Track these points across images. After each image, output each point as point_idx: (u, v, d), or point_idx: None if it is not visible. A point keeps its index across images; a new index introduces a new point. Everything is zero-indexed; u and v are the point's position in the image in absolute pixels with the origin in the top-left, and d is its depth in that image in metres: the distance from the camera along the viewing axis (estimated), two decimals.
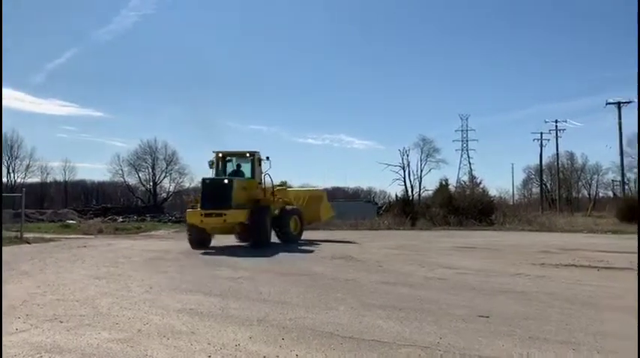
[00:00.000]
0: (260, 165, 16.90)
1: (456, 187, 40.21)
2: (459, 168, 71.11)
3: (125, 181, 61.47)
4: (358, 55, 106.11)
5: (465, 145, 73.41)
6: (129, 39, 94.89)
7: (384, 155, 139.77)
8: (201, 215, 14.78)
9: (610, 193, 63.76)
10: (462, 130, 73.38)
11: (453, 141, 74.53)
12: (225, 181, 15.44)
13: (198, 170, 77.01)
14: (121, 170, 60.75)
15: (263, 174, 16.93)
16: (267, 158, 16.89)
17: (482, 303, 6.74)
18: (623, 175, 49.55)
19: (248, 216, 15.01)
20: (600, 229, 27.87)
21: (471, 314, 5.99)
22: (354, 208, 38.40)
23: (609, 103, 45.70)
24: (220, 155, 17.15)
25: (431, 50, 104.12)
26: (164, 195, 61.90)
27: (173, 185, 62.05)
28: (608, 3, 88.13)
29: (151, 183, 61.70)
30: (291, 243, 16.76)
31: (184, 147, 73.03)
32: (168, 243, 18.22)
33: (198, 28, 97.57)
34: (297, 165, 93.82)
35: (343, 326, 5.38)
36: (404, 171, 66.76)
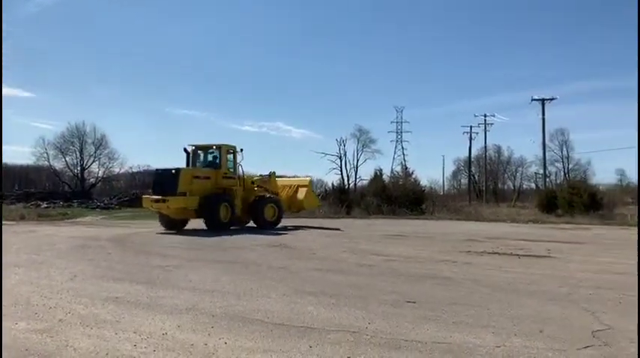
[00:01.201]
0: (231, 156, 18.46)
1: (390, 177, 41.18)
2: (393, 159, 72.70)
3: (51, 166, 58.40)
4: (296, 45, 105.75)
5: (399, 137, 75.03)
6: (57, 12, 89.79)
7: (322, 144, 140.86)
8: (152, 201, 16.79)
9: (533, 185, 67.30)
10: (397, 122, 74.92)
11: (388, 132, 76.01)
12: (172, 171, 16.87)
13: (130, 154, 74.45)
14: (47, 154, 57.56)
15: (238, 165, 18.51)
16: (241, 150, 18.64)
17: (410, 289, 6.94)
18: (545, 168, 52.33)
19: (198, 202, 16.69)
20: (522, 219, 29.37)
21: (400, 300, 6.15)
22: None
23: (534, 100, 47.99)
24: (193, 148, 18.66)
25: (368, 42, 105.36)
26: (92, 180, 59.24)
27: (102, 170, 59.48)
28: (539, 3, 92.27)
29: (79, 168, 58.94)
30: (267, 228, 17.89)
31: (115, 130, 69.97)
32: (96, 230, 17.55)
33: (133, 6, 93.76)
34: None
35: (274, 313, 5.38)
36: (340, 161, 67.50)
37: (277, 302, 5.95)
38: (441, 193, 58.12)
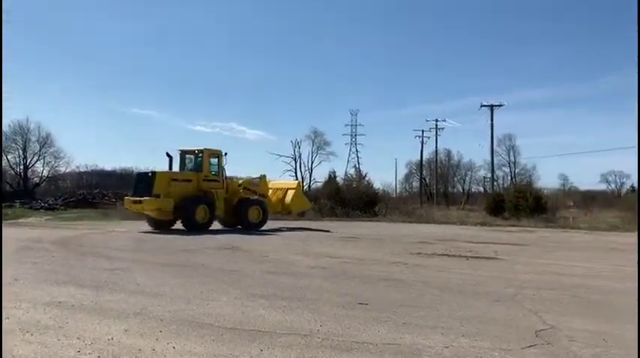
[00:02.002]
0: (215, 160, 19.24)
1: (343, 180, 41.47)
2: (348, 162, 73.16)
3: None
4: (251, 45, 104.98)
5: (353, 139, 75.62)
6: None
7: (276, 146, 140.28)
8: (131, 201, 18.23)
9: (481, 189, 69.17)
10: (352, 125, 75.54)
11: (343, 134, 76.53)
12: (149, 174, 18.30)
13: (76, 153, 71.95)
14: None
15: (222, 169, 19.31)
16: (225, 154, 19.61)
17: (362, 291, 6.99)
18: (493, 172, 53.84)
19: (174, 204, 17.48)
20: (471, 221, 30.18)
21: (351, 302, 6.18)
22: None
23: (483, 106, 49.40)
24: (180, 152, 19.66)
25: (324, 44, 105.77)
26: (37, 179, 56.89)
27: (47, 169, 57.18)
28: (490, 13, 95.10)
29: (22, 167, 56.49)
30: (252, 230, 18.69)
31: (61, 128, 67.49)
32: (40, 232, 16.86)
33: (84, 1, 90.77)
34: None
35: (224, 316, 5.30)
36: (295, 163, 67.44)
37: (228, 305, 5.87)
38: (394, 196, 58.90)
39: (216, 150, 19.51)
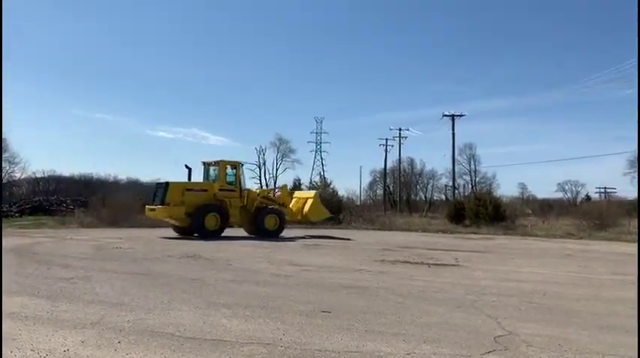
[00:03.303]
0: (232, 170, 20.59)
1: (308, 187, 41.49)
2: (312, 169, 73.43)
3: None
4: (215, 50, 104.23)
5: (318, 147, 75.99)
6: None
7: (240, 153, 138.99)
8: (149, 209, 20.05)
9: (443, 197, 70.29)
10: (317, 132, 75.88)
11: (308, 142, 76.75)
12: (164, 184, 19.80)
13: (33, 159, 69.65)
14: None
15: (239, 178, 20.55)
16: (242, 164, 21.24)
17: (325, 299, 6.99)
18: (454, 181, 54.97)
19: (186, 212, 18.99)
20: (433, 229, 30.65)
21: (315, 310, 6.17)
22: None
23: (445, 115, 50.41)
24: (203, 164, 21.34)
25: (289, 50, 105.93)
26: None
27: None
28: (452, 24, 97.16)
29: None
30: (269, 237, 19.54)
31: (17, 133, 65.33)
32: None
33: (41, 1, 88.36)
34: (147, 159, 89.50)
35: (185, 326, 5.20)
36: (260, 170, 67.25)
37: (189, 314, 5.78)
38: (358, 203, 59.28)
39: (233, 162, 20.97)
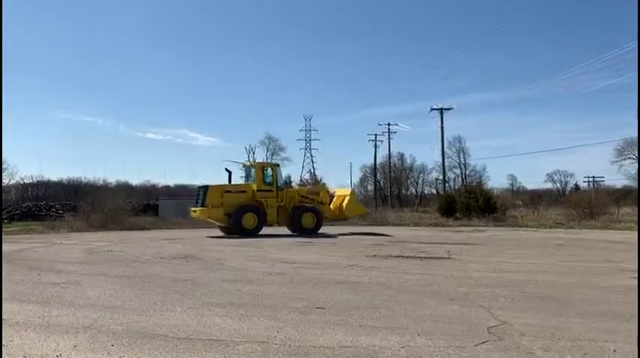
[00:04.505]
0: (270, 171, 21.70)
1: (298, 185, 41.48)
2: (303, 166, 73.52)
3: None
4: (201, 51, 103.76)
5: (308, 144, 76.06)
6: None
7: (230, 152, 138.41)
8: (193, 211, 21.50)
9: (434, 190, 70.65)
10: (306, 130, 75.92)
11: (298, 140, 76.77)
12: (204, 187, 21.07)
13: (21, 164, 69.00)
14: None
15: (276, 178, 21.52)
16: (277, 165, 22.74)
17: (318, 295, 6.99)
18: (444, 174, 55.13)
19: (225, 212, 20.34)
20: (424, 223, 30.78)
21: (308, 307, 6.17)
22: None
23: (433, 109, 50.53)
24: (244, 166, 24.08)
25: (277, 49, 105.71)
26: None
27: None
28: (441, 19, 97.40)
29: None
30: (307, 235, 20.33)
31: (4, 138, 64.61)
32: None
33: (28, 5, 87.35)
34: (136, 162, 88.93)
35: (179, 327, 5.18)
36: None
37: (182, 315, 5.75)
38: None
39: (269, 163, 22.97)
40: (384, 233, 22.35)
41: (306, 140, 76.23)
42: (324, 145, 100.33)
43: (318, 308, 6.10)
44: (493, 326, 5.14)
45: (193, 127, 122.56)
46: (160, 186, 71.31)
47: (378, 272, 9.36)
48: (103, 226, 25.85)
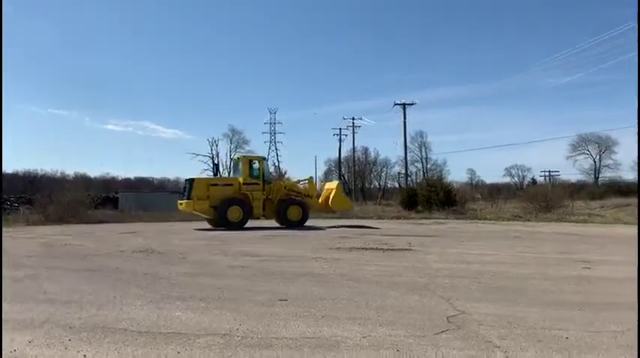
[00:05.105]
0: (256, 164, 21.91)
1: None
2: (267, 160, 73.09)
3: None
4: (165, 42, 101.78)
5: (272, 137, 75.75)
6: None
7: (193, 144, 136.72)
8: (179, 204, 21.64)
9: (396, 184, 71.43)
10: (271, 123, 75.57)
11: (262, 133, 76.40)
12: (190, 180, 21.47)
13: None
14: None
15: (261, 172, 21.76)
16: (265, 159, 23.33)
17: (282, 288, 7.00)
18: (406, 168, 55.93)
19: (210, 205, 20.45)
20: (387, 215, 31.14)
21: (271, 299, 6.17)
22: (160, 200, 36.98)
23: (396, 104, 51.06)
24: (231, 160, 24.54)
25: (241, 41, 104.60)
26: None
27: None
28: (404, 13, 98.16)
29: None
30: (293, 227, 20.52)
31: None
32: None
33: None
34: (96, 154, 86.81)
35: (139, 321, 5.10)
36: (213, 162, 66.39)
37: (143, 309, 5.66)
38: None
39: (255, 156, 23.30)
40: (371, 226, 22.67)
41: (270, 133, 76.07)
42: (289, 139, 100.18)
43: (281, 300, 6.11)
44: (452, 316, 5.26)
45: (155, 119, 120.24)
46: (120, 178, 69.90)
47: (342, 264, 9.44)
48: (61, 220, 25.18)
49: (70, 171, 59.16)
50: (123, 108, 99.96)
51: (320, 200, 24.00)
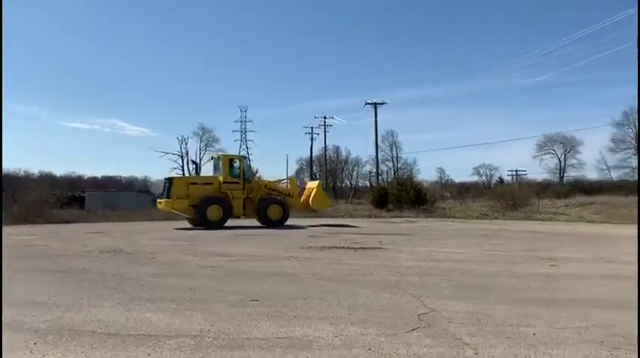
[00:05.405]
0: (237, 164, 21.86)
1: None
2: (249, 160, 72.50)
3: None
4: (134, 38, 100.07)
5: (243, 136, 75.25)
6: None
7: (161, 143, 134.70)
8: (158, 203, 21.79)
9: (367, 183, 71.84)
10: (241, 121, 75.07)
11: (233, 131, 75.82)
12: (169, 179, 21.60)
13: None
14: None
15: (242, 171, 21.58)
16: (245, 158, 23.38)
17: (253, 288, 6.96)
18: (377, 167, 56.19)
19: (189, 204, 20.28)
20: (359, 214, 31.29)
21: (243, 299, 6.13)
22: (128, 199, 36.41)
23: (368, 103, 51.29)
24: (212, 158, 23.68)
25: (210, 39, 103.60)
26: None
27: None
28: (376, 14, 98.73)
29: None
30: (271, 226, 20.51)
31: None
32: None
33: None
34: (61, 152, 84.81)
35: (107, 323, 5.00)
36: (182, 160, 65.66)
37: (111, 311, 5.56)
38: None
39: (236, 156, 23.63)
40: (352, 225, 22.86)
41: (241, 131, 75.48)
42: (260, 137, 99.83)
43: (252, 300, 6.08)
44: (423, 314, 5.32)
45: (123, 117, 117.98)
46: (87, 177, 68.44)
47: (314, 263, 9.44)
48: (26, 220, 24.48)
49: (35, 169, 57.51)
50: (89, 106, 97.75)
51: (301, 199, 23.93)
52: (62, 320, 5.16)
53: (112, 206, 32.01)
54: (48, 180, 48.51)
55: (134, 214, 28.19)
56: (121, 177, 72.96)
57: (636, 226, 21.22)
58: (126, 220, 26.26)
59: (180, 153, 64.35)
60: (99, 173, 71.48)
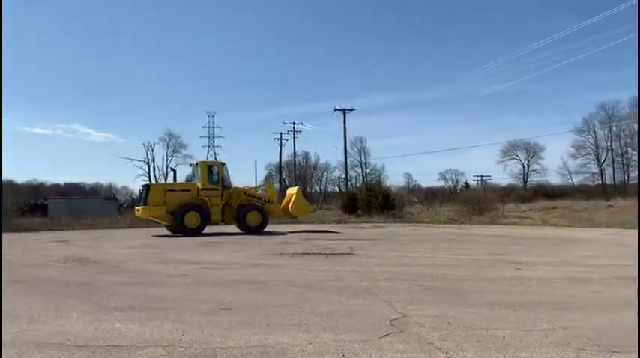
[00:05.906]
0: (215, 170, 21.68)
1: None
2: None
3: None
4: (98, 42, 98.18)
5: (211, 142, 74.59)
6: None
7: (126, 149, 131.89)
8: (136, 210, 21.81)
9: (337, 188, 72.11)
10: (209, 127, 74.42)
11: (200, 137, 75.08)
12: (146, 186, 21.76)
13: None
14: None
15: (220, 177, 21.39)
16: (224, 164, 22.39)
17: (225, 296, 6.89)
18: (347, 173, 56.57)
19: (167, 211, 20.16)
20: (329, 220, 31.39)
21: (214, 308, 6.07)
22: (93, 206, 35.67)
23: (337, 110, 51.61)
24: (190, 165, 24.09)
25: (177, 44, 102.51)
26: None
27: None
28: (347, 20, 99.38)
29: None
30: (252, 233, 20.35)
31: None
32: None
33: None
34: (22, 158, 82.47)
35: (76, 334, 4.88)
36: (149, 166, 64.65)
37: (79, 321, 5.42)
38: None
39: (214, 162, 24.25)
40: (333, 230, 22.98)
41: (209, 137, 74.81)
42: (228, 143, 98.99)
43: (224, 308, 6.03)
44: (395, 319, 5.37)
45: (87, 122, 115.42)
46: (49, 184, 66.68)
47: (285, 270, 9.43)
48: None
49: None
50: (52, 112, 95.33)
51: (281, 205, 23.89)
52: (27, 332, 5.01)
53: (76, 213, 31.28)
54: (9, 188, 47.06)
55: (99, 222, 27.61)
56: (84, 184, 71.37)
57: (596, 229, 21.95)
58: (91, 228, 25.71)
59: (146, 160, 63.38)
60: (62, 180, 69.75)
